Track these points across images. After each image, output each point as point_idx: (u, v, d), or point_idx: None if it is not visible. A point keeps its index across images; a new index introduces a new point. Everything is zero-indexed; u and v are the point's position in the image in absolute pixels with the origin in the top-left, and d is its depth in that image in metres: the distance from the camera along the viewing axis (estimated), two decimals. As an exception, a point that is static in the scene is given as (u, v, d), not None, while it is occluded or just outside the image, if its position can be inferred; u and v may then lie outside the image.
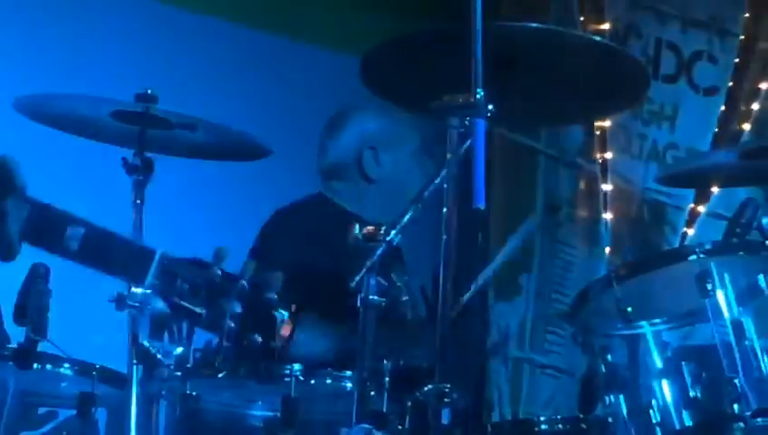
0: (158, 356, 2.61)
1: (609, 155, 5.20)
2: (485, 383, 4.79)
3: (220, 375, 3.11)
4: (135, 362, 2.79)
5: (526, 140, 5.03)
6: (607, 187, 5.19)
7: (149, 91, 3.21)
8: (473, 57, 2.51)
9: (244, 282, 2.11)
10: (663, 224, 5.27)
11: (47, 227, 1.96)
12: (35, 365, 3.13)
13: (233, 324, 2.09)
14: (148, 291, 2.66)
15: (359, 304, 2.83)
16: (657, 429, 3.17)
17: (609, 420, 3.21)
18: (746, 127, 5.21)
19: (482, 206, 2.41)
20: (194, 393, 3.11)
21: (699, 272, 3.08)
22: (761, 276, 3.13)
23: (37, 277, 3.04)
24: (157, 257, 2.05)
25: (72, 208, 2.32)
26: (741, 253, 3.17)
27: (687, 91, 5.32)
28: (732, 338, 3.03)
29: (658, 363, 3.22)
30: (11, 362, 3.10)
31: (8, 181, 1.89)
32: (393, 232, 2.76)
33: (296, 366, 3.08)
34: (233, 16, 5.00)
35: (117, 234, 2.18)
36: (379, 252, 2.78)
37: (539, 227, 5.20)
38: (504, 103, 2.60)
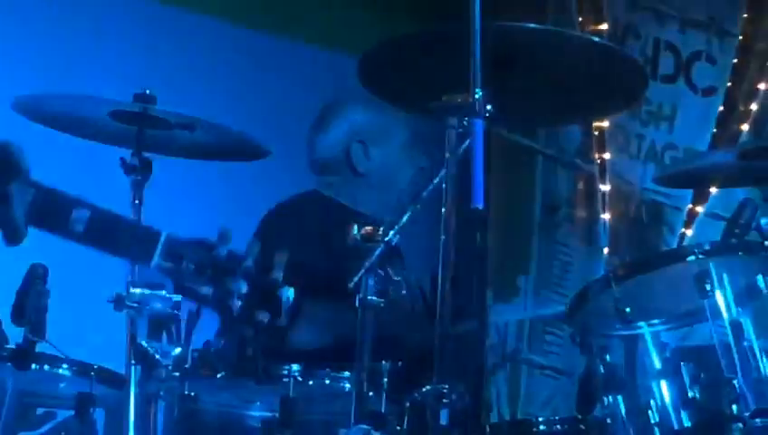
0: (157, 357, 2.61)
1: (607, 155, 5.20)
2: (484, 384, 4.78)
3: (218, 376, 3.12)
4: (133, 362, 2.79)
5: (525, 140, 5.03)
6: (605, 187, 5.19)
7: (148, 92, 3.20)
8: (471, 57, 2.51)
9: (249, 261, 2.11)
10: (661, 224, 5.27)
11: (52, 210, 1.97)
12: (33, 366, 3.13)
13: (239, 304, 2.09)
14: (147, 291, 2.67)
15: (357, 304, 2.83)
16: (656, 429, 3.17)
17: (608, 420, 3.21)
18: (745, 127, 5.21)
19: (480, 206, 2.41)
20: (192, 394, 3.11)
21: (698, 272, 3.08)
22: (759, 277, 3.14)
23: (35, 278, 3.05)
24: (162, 238, 2.06)
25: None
26: (739, 253, 3.18)
27: (686, 91, 5.32)
28: (730, 339, 3.03)
29: (657, 364, 3.23)
30: (9, 363, 3.10)
31: (12, 165, 1.90)
32: (392, 232, 2.76)
33: (294, 367, 3.08)
34: (231, 16, 5.00)
35: (122, 216, 2.19)
36: (377, 252, 2.78)
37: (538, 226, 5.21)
38: (502, 103, 2.60)
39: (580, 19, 5.20)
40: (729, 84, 5.28)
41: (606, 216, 5.17)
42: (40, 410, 3.45)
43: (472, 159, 2.46)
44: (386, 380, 2.97)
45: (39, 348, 3.10)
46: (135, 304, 2.67)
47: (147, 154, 3.22)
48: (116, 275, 2.96)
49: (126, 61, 4.63)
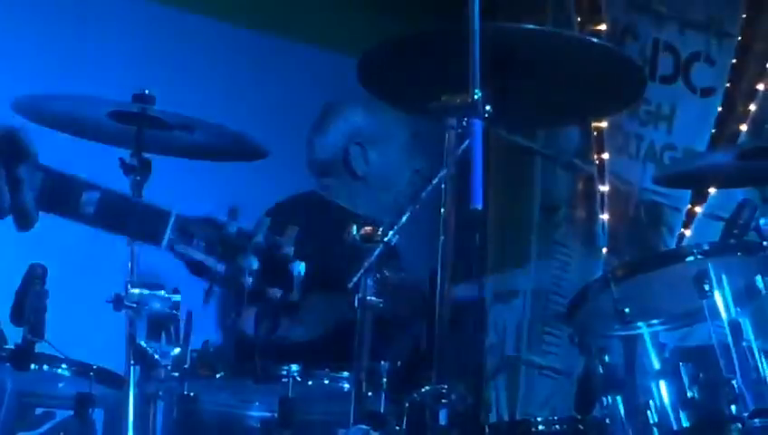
0: (156, 357, 2.61)
1: (606, 156, 5.20)
2: (483, 384, 4.79)
3: (217, 376, 3.12)
4: (132, 362, 2.79)
5: (523, 140, 5.03)
6: (604, 187, 5.19)
7: (147, 92, 3.21)
8: (470, 58, 2.51)
9: (259, 237, 2.11)
10: (660, 225, 5.27)
11: (62, 194, 1.97)
12: (33, 366, 3.13)
13: (251, 280, 2.09)
14: (146, 291, 2.67)
15: (356, 304, 2.83)
16: (655, 429, 3.17)
17: (607, 420, 3.21)
18: (743, 128, 5.21)
19: (479, 206, 2.41)
20: (191, 394, 3.11)
21: (697, 273, 3.09)
22: (758, 277, 3.14)
23: (34, 278, 3.05)
24: (172, 218, 2.05)
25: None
26: (738, 254, 3.18)
27: (685, 91, 5.32)
28: (729, 339, 3.03)
29: (656, 364, 3.23)
30: (8, 363, 3.10)
31: (21, 150, 1.90)
32: (391, 233, 2.76)
33: (294, 367, 3.08)
34: (231, 17, 5.00)
35: (132, 196, 2.19)
36: (376, 253, 2.78)
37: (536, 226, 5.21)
38: (501, 104, 2.60)
39: (579, 20, 5.20)
40: (728, 85, 5.28)
41: (605, 216, 5.17)
42: (39, 411, 3.45)
43: (471, 160, 2.46)
44: (385, 380, 2.98)
45: (38, 348, 3.11)
46: (134, 305, 2.67)
47: (146, 154, 3.23)
48: (115, 275, 2.97)
49: (125, 61, 4.63)
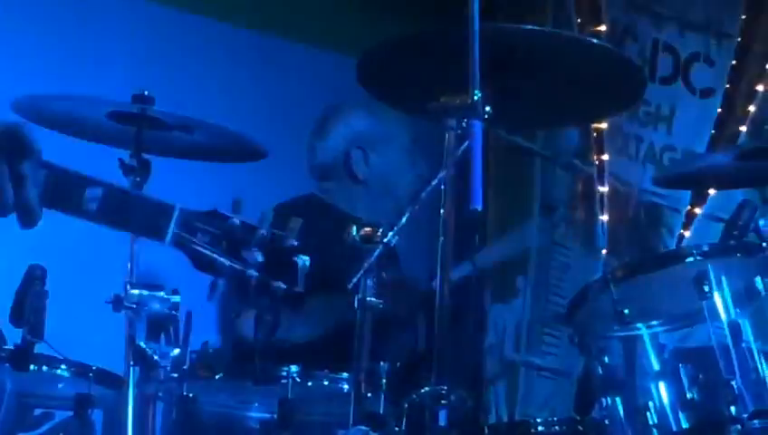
0: (155, 358, 2.61)
1: (605, 157, 5.20)
2: (482, 385, 4.79)
3: (217, 377, 3.12)
4: (132, 363, 2.79)
5: (523, 141, 5.02)
6: (603, 188, 5.19)
7: (146, 93, 3.21)
8: (470, 59, 2.51)
9: (263, 230, 2.11)
10: (660, 226, 5.27)
11: (65, 190, 1.97)
12: (32, 366, 3.13)
13: (255, 274, 2.09)
14: (145, 292, 2.67)
15: (356, 305, 2.83)
16: (654, 430, 3.17)
17: (606, 421, 3.21)
18: (743, 129, 5.21)
19: (479, 207, 2.41)
20: (190, 395, 3.11)
21: (696, 274, 3.08)
22: (758, 278, 3.14)
23: (34, 279, 3.05)
24: (176, 212, 2.05)
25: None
26: (738, 255, 3.17)
27: (684, 92, 5.32)
28: (729, 340, 3.03)
29: (655, 365, 3.23)
30: (7, 364, 3.10)
31: (24, 146, 1.90)
32: (391, 234, 2.76)
33: (293, 368, 3.08)
34: (231, 17, 5.00)
35: (135, 192, 2.19)
36: (376, 253, 2.78)
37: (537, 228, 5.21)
38: (500, 105, 2.59)
39: (579, 20, 5.20)
40: (727, 86, 5.28)
41: (604, 217, 5.17)
42: (38, 411, 3.45)
43: (470, 161, 2.46)
44: (384, 381, 2.98)
45: (37, 349, 3.10)
46: (133, 305, 2.67)
47: (145, 155, 3.23)
48: (114, 275, 2.97)
49: (125, 61, 4.63)
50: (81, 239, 3.17)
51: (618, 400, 3.20)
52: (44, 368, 3.17)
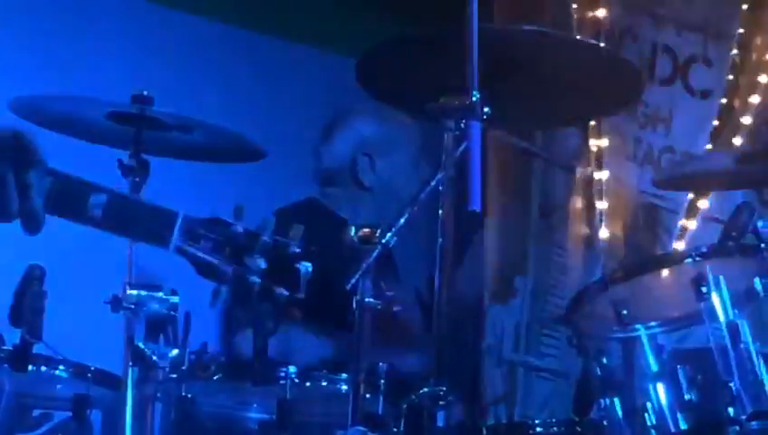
0: (154, 358, 2.61)
1: (604, 158, 5.19)
2: (480, 386, 4.79)
3: (215, 378, 3.12)
4: (130, 364, 2.79)
5: (521, 142, 5.02)
6: (602, 189, 5.18)
7: (145, 93, 3.21)
8: (469, 59, 2.51)
9: (266, 237, 2.11)
10: (658, 227, 5.26)
11: (70, 197, 1.98)
12: (30, 367, 3.13)
13: (258, 280, 2.10)
14: (144, 293, 2.67)
15: (354, 306, 2.83)
16: (653, 432, 3.17)
17: (605, 423, 3.21)
18: (742, 129, 5.21)
19: (478, 208, 2.41)
20: (189, 396, 3.11)
21: (695, 275, 3.08)
22: (756, 280, 3.14)
23: (33, 279, 3.05)
24: (179, 219, 2.06)
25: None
26: (736, 256, 3.17)
27: (683, 94, 5.32)
28: (727, 341, 3.03)
29: (654, 366, 3.22)
30: (6, 364, 3.10)
31: (29, 154, 1.90)
32: (389, 235, 2.76)
33: (291, 369, 3.07)
34: (230, 18, 5.00)
35: (139, 199, 2.20)
36: (374, 254, 2.78)
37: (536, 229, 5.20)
38: (499, 106, 2.59)
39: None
40: (726, 87, 5.27)
41: (603, 218, 5.16)
42: (37, 412, 3.45)
43: (469, 162, 2.46)
44: (383, 381, 2.98)
45: (36, 349, 3.11)
46: (132, 306, 2.67)
47: (144, 155, 3.23)
48: (113, 276, 2.97)
49: (124, 62, 4.63)
50: (80, 240, 3.16)
51: (616, 401, 3.20)
52: (43, 368, 3.17)
